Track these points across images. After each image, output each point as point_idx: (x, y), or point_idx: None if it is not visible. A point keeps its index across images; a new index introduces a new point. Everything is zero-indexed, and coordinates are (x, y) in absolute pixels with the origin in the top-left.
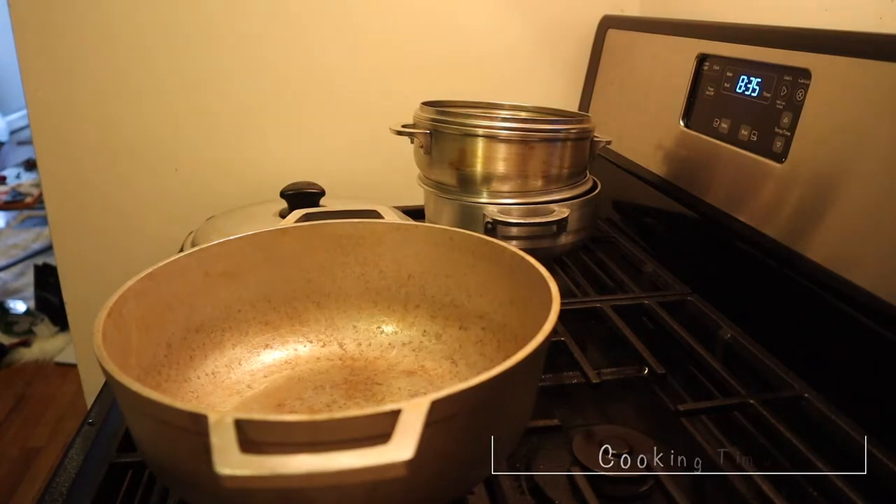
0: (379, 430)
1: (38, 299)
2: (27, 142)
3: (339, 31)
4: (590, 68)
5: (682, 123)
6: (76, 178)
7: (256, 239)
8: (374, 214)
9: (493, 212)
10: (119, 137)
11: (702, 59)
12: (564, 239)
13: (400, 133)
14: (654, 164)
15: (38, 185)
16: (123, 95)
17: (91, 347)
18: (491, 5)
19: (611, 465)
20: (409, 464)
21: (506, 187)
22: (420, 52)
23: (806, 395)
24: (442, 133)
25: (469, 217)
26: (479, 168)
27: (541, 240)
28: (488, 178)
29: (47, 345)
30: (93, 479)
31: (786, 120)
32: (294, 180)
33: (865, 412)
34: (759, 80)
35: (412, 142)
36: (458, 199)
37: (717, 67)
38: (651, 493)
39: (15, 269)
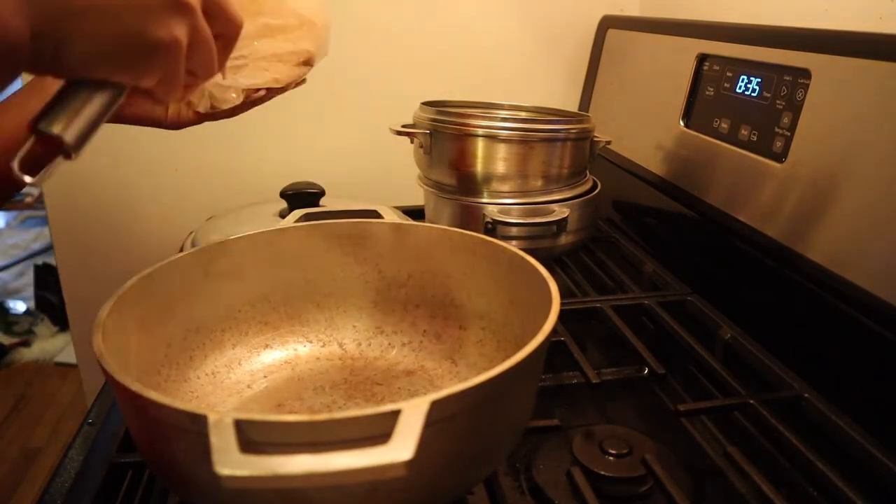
0: (379, 430)
1: (38, 299)
2: None
3: (340, 30)
4: (590, 68)
5: (682, 123)
6: (76, 179)
7: (256, 239)
8: (374, 214)
9: (493, 212)
10: (119, 137)
11: (702, 59)
12: (564, 239)
13: (400, 133)
14: (654, 164)
15: None
16: None
17: (91, 347)
18: (491, 5)
19: (611, 465)
20: (408, 464)
21: (506, 187)
22: (420, 52)
23: (806, 395)
24: (442, 133)
25: (469, 217)
26: (478, 168)
27: (541, 240)
28: (488, 178)
29: (47, 345)
30: (93, 479)
31: (786, 120)
32: (294, 180)
33: (865, 412)
34: (759, 80)
35: (412, 142)
36: (458, 199)
37: (717, 67)
38: (651, 493)
39: (15, 269)
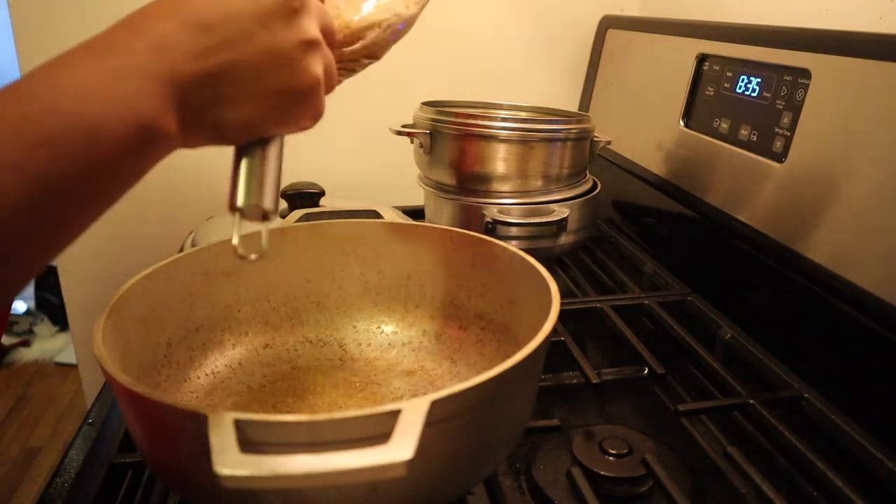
0: (379, 430)
1: (38, 299)
2: None
3: None
4: (590, 68)
5: (682, 123)
6: None
7: (256, 239)
8: (374, 214)
9: (493, 212)
10: None
11: (702, 59)
12: (564, 239)
13: (400, 133)
14: (654, 164)
15: None
16: None
17: (91, 347)
18: (491, 5)
19: (611, 465)
20: (408, 464)
21: (506, 187)
22: (420, 53)
23: (806, 395)
24: (442, 133)
25: (469, 217)
26: (478, 168)
27: (541, 240)
28: (488, 178)
29: (47, 345)
30: (93, 479)
31: (786, 120)
32: (294, 180)
33: (865, 412)
34: (759, 80)
35: (412, 142)
36: (458, 199)
37: (717, 67)
38: (651, 493)
39: None
